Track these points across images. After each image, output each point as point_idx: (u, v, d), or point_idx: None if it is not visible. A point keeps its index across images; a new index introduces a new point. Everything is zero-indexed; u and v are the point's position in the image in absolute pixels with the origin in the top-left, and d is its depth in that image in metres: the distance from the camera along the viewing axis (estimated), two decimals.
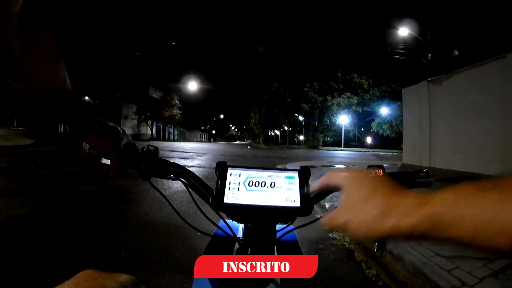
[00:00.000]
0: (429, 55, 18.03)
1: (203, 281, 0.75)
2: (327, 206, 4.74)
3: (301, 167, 0.80)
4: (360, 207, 0.48)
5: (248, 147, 41.12)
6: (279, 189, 0.75)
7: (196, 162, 11.56)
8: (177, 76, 61.17)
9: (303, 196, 0.74)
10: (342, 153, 29.76)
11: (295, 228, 0.88)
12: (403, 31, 20.85)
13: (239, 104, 61.08)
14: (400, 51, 28.62)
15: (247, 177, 0.76)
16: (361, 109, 41.67)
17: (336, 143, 52.69)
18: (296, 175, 0.78)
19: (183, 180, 0.81)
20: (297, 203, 0.73)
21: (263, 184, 0.75)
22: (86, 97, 0.71)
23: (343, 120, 45.92)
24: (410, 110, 15.38)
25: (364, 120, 46.65)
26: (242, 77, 54.95)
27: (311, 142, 44.41)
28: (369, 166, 0.75)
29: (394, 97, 37.69)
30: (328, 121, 46.07)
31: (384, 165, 0.79)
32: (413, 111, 14.92)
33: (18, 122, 35.35)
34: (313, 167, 11.48)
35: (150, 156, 0.82)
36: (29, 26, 0.49)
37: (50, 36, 0.54)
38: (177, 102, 56.82)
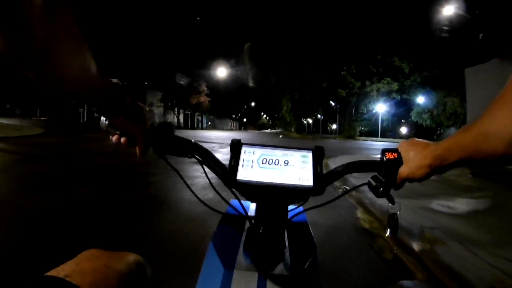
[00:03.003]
0: (480, 34, 16.74)
1: (214, 259, 0.76)
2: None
3: (316, 146, 0.80)
4: (412, 159, 0.74)
5: (280, 136, 38.68)
6: (292, 167, 0.76)
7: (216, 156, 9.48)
8: (206, 62, 59.11)
9: (316, 175, 0.75)
10: (382, 144, 26.74)
11: (305, 210, 0.88)
12: (448, 10, 19.17)
13: (270, 91, 58.35)
14: (445, 32, 26.28)
15: (261, 155, 0.78)
16: (399, 97, 38.67)
17: (371, 133, 49.42)
18: (310, 154, 0.79)
19: (198, 157, 0.81)
20: (309, 182, 0.74)
21: (276, 162, 0.77)
22: (114, 79, 0.72)
23: (380, 108, 42.55)
24: (475, 93, 13.14)
25: (400, 108, 43.29)
26: (274, 61, 52.17)
27: (347, 132, 41.38)
28: (384, 150, 0.79)
29: (435, 84, 35.26)
30: (365, 109, 42.88)
31: None
32: (479, 94, 12.64)
33: (41, 112, 36.84)
34: None
35: (165, 133, 0.81)
36: (52, 10, 0.49)
37: (72, 20, 0.53)
38: (205, 88, 55.04)
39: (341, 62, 36.45)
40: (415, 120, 40.73)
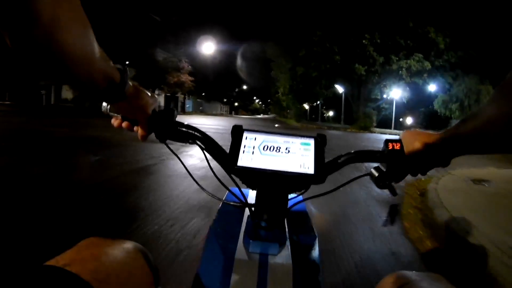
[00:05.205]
0: None
1: (214, 247, 0.77)
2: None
3: (318, 134, 0.81)
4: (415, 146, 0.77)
5: (276, 125, 30.78)
6: (293, 155, 0.77)
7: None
8: (189, 34, 50.23)
9: (318, 163, 0.76)
10: None
11: (305, 199, 0.93)
12: None
13: (264, 72, 50.29)
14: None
15: (262, 141, 0.79)
16: (421, 81, 31.41)
17: (379, 124, 40.52)
18: (312, 142, 0.80)
19: (200, 143, 0.83)
20: (311, 170, 0.75)
21: (278, 149, 0.78)
22: (117, 65, 0.73)
23: (395, 93, 34.07)
24: None
25: (413, 95, 35.14)
26: (273, 24, 44.13)
27: (362, 121, 33.49)
28: (387, 140, 0.79)
29: (467, 68, 28.54)
30: (379, 93, 34.88)
31: None
32: None
33: (9, 96, 36.28)
34: None
35: (167, 119, 0.83)
36: None
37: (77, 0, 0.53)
38: (187, 65, 46.77)
39: (361, 28, 28.51)
40: (439, 111, 32.97)
